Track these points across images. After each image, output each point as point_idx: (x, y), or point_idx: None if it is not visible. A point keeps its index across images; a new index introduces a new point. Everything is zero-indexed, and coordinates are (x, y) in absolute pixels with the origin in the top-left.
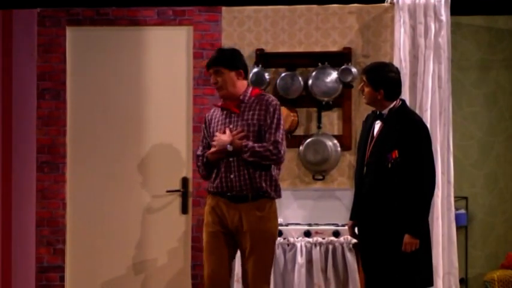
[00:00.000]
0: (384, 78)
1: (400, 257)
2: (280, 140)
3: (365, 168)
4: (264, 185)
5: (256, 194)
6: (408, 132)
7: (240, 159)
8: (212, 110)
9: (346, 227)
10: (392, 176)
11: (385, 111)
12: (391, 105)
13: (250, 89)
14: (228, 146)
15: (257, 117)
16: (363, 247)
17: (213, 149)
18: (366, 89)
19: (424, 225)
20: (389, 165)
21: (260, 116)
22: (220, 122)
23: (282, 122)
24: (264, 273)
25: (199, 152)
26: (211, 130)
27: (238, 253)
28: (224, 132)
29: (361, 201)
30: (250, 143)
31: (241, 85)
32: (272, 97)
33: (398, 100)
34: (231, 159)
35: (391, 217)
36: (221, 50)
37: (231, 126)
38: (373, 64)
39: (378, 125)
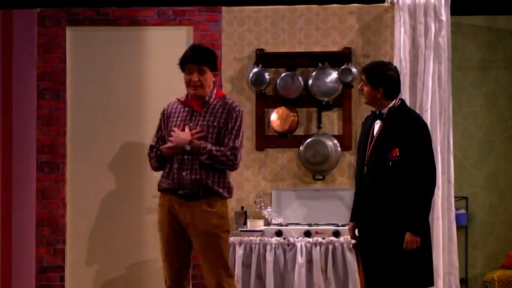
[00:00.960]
0: (383, 77)
1: (400, 256)
2: (238, 146)
3: (365, 167)
4: (216, 186)
5: (207, 192)
6: (408, 130)
7: (194, 157)
8: (172, 103)
9: (347, 228)
10: (392, 175)
11: (385, 111)
12: (391, 105)
13: (215, 90)
14: (186, 145)
15: (218, 119)
16: (363, 246)
17: (169, 144)
18: (365, 88)
19: (425, 223)
20: (390, 163)
21: (221, 119)
22: (180, 118)
23: (242, 128)
24: (223, 267)
25: (152, 143)
26: (169, 124)
27: (238, 253)
28: (183, 130)
29: (361, 201)
30: (209, 146)
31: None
32: (236, 102)
33: (397, 99)
34: (185, 156)
35: (392, 216)
36: (202, 48)
37: (191, 124)
38: (372, 63)
39: (377, 125)
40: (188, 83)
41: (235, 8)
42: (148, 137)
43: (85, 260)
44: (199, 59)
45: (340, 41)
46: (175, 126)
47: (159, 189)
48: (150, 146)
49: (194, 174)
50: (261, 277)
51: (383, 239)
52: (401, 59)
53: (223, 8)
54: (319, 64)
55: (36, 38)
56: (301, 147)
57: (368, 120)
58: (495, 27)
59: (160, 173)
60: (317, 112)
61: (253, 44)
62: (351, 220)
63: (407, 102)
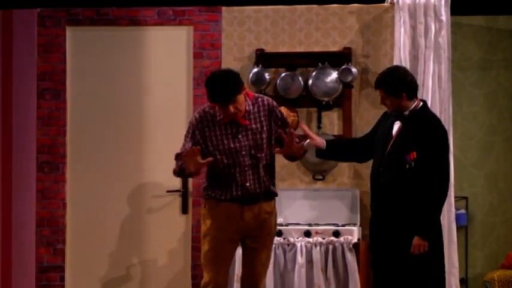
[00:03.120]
0: (400, 83)
1: (410, 262)
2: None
3: (381, 167)
4: (272, 186)
5: (266, 194)
6: (427, 135)
7: (254, 167)
8: (201, 114)
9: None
10: (408, 177)
11: (406, 112)
12: (413, 106)
13: (247, 97)
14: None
15: (265, 124)
16: (374, 246)
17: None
18: (388, 101)
19: (435, 228)
20: (407, 166)
21: (266, 121)
22: (223, 133)
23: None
24: (266, 269)
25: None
26: (210, 136)
27: (238, 253)
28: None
29: (375, 199)
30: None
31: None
32: (265, 98)
33: (419, 100)
34: (246, 168)
35: (403, 218)
36: (225, 83)
37: (239, 136)
38: (381, 76)
39: (397, 125)
40: (226, 115)
41: (235, 8)
42: (149, 136)
43: (85, 260)
44: (228, 99)
45: (340, 41)
46: (227, 143)
47: (215, 198)
48: (177, 154)
49: (257, 183)
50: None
51: (394, 240)
52: (401, 59)
53: (223, 8)
54: (319, 64)
55: (36, 38)
56: None
57: (388, 118)
58: (495, 27)
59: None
60: (317, 112)
61: (253, 44)
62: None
63: None
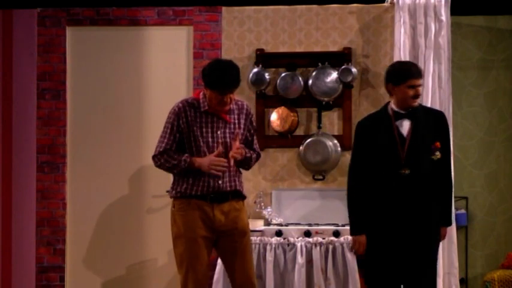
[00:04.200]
0: None
1: (431, 262)
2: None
3: (406, 169)
4: (240, 187)
5: (235, 194)
6: (444, 125)
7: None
8: (184, 104)
9: (353, 240)
10: (438, 168)
11: (409, 109)
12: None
13: None
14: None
15: (243, 125)
16: (390, 247)
17: (214, 171)
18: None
19: None
20: (435, 158)
21: (243, 123)
22: (203, 125)
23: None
24: (253, 267)
25: (167, 147)
26: (194, 130)
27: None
28: (222, 151)
29: (399, 202)
30: (248, 154)
31: None
32: (246, 103)
33: None
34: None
35: (434, 212)
36: (236, 70)
37: (218, 132)
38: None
39: (405, 124)
40: (220, 103)
41: (235, 8)
42: (149, 136)
43: (85, 260)
44: (237, 86)
45: (340, 41)
46: (206, 134)
47: (183, 196)
48: (166, 150)
49: (229, 181)
50: (261, 277)
51: (426, 238)
52: (401, 59)
53: (223, 8)
54: (319, 64)
55: (36, 38)
56: (301, 147)
57: (372, 126)
58: (495, 27)
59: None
60: (317, 112)
61: (253, 44)
62: (362, 232)
63: None
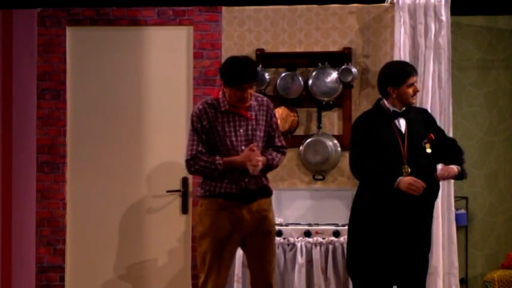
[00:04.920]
0: None
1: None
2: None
3: (406, 166)
4: (266, 182)
5: (262, 192)
6: (431, 118)
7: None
8: (204, 106)
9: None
10: (435, 157)
11: (403, 108)
12: None
13: None
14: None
15: (263, 121)
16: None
17: (251, 168)
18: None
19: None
20: (430, 150)
21: (264, 119)
22: (225, 125)
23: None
24: (273, 269)
25: (202, 150)
26: (218, 130)
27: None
28: (243, 139)
29: (402, 199)
30: (272, 159)
31: None
32: (265, 98)
33: None
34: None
35: (432, 207)
36: (253, 64)
37: (241, 130)
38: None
39: (402, 123)
40: (240, 99)
41: (235, 8)
42: (149, 136)
43: (85, 260)
44: (257, 79)
45: (340, 41)
46: (229, 134)
47: (213, 195)
48: (197, 151)
49: (256, 179)
50: None
51: (421, 236)
52: (401, 59)
53: (223, 8)
54: (319, 64)
55: (36, 38)
56: (301, 147)
57: (373, 122)
58: (495, 27)
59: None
60: (317, 112)
61: (253, 44)
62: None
63: None
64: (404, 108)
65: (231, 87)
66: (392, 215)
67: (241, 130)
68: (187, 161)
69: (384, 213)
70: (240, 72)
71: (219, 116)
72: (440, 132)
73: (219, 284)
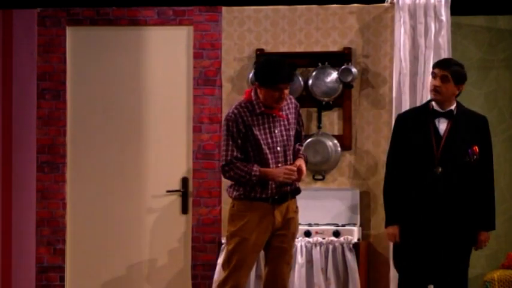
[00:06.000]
0: (464, 75)
1: (464, 259)
2: None
3: (439, 167)
4: (298, 184)
5: (293, 191)
6: (484, 129)
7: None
8: (238, 109)
9: (388, 232)
10: (475, 172)
11: (452, 108)
12: (456, 103)
13: None
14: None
15: (293, 119)
16: (422, 244)
17: (287, 180)
18: (446, 84)
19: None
20: (472, 160)
21: (293, 117)
22: (261, 127)
23: None
24: (289, 272)
25: (239, 155)
26: (250, 133)
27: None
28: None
29: (432, 199)
30: (303, 161)
31: None
32: (291, 96)
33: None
34: (279, 165)
35: (467, 214)
36: (286, 64)
37: (276, 131)
38: (450, 60)
39: (443, 123)
40: (277, 99)
41: (235, 8)
42: (149, 136)
43: (85, 260)
44: (293, 79)
45: (340, 41)
46: (265, 135)
47: (247, 198)
48: (233, 157)
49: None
50: (261, 277)
51: (457, 236)
52: (401, 59)
53: (223, 8)
54: (319, 64)
55: (36, 38)
56: None
57: (411, 119)
58: (495, 27)
59: None
60: (317, 112)
61: (253, 44)
62: (395, 223)
63: (408, 103)
64: (450, 109)
65: (267, 87)
66: (424, 213)
67: (276, 131)
68: (222, 166)
69: (421, 211)
70: (276, 72)
71: (255, 118)
72: (484, 156)
73: (240, 284)
